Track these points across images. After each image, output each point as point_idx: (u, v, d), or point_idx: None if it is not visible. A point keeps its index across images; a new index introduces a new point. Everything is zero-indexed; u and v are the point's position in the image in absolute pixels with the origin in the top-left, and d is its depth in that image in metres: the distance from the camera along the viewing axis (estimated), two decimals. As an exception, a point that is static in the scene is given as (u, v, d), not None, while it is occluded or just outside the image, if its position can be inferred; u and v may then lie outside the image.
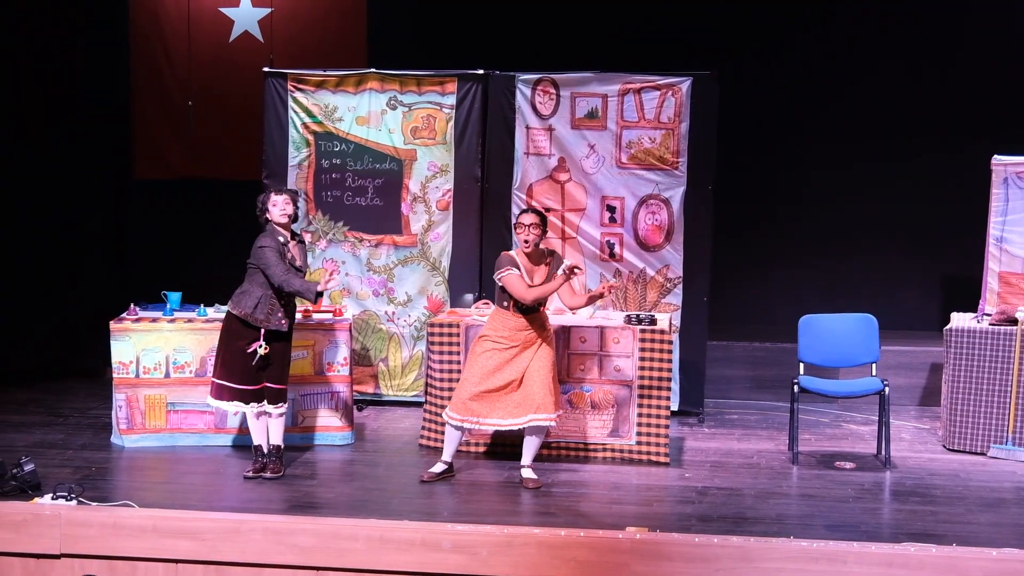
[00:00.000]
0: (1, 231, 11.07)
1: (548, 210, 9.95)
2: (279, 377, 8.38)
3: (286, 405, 8.50)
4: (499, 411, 8.17)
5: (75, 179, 11.19)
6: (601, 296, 8.24)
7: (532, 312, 8.21)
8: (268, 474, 8.35)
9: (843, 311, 9.36)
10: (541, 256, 8.27)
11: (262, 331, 8.26)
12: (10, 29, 11.00)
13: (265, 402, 8.37)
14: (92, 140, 11.29)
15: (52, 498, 7.48)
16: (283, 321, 8.30)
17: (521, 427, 8.20)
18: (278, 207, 8.29)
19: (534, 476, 8.28)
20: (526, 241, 8.14)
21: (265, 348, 8.27)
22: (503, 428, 8.24)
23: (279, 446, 8.48)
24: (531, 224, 8.14)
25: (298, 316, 8.79)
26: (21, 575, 7.25)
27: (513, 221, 9.21)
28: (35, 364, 11.16)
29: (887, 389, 8.77)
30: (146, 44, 11.44)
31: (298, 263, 8.33)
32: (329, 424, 9.19)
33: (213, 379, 8.43)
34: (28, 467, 7.86)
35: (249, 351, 8.25)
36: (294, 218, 8.40)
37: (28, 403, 10.30)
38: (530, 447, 8.33)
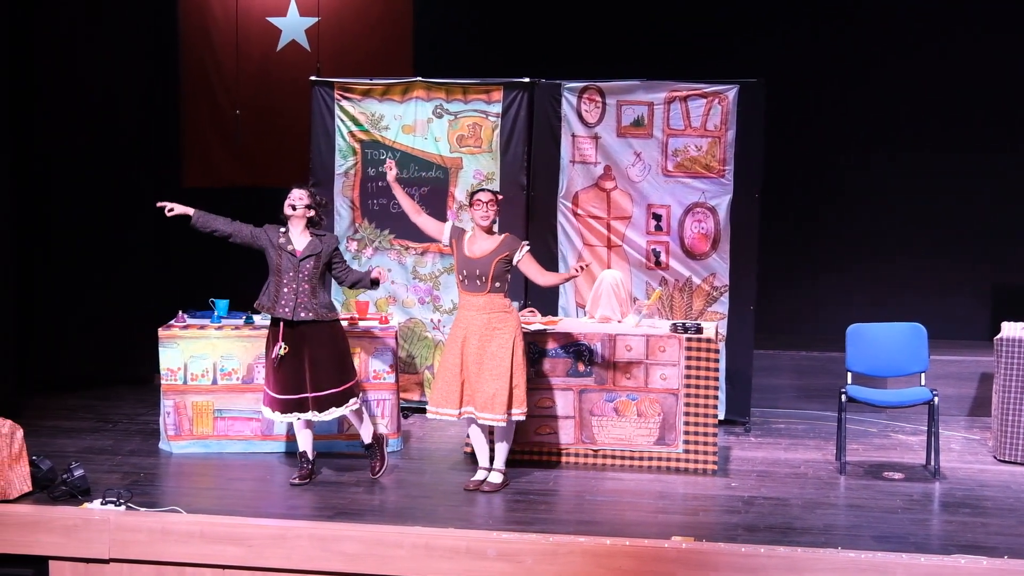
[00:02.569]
0: (52, 239, 11.18)
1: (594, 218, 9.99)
2: (320, 383, 8.34)
3: (344, 408, 8.42)
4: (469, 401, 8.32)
5: (125, 187, 11.28)
6: (574, 276, 8.33)
7: (475, 293, 8.24)
8: (377, 470, 8.49)
9: (891, 320, 9.29)
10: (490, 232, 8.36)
11: (280, 331, 8.29)
12: (59, 37, 11.10)
13: (311, 412, 8.37)
14: (142, 149, 11.37)
15: (101, 503, 7.56)
16: (286, 310, 8.28)
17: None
18: (291, 199, 8.41)
19: (495, 481, 8.37)
20: (485, 216, 8.25)
21: (284, 348, 8.30)
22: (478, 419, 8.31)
23: (381, 436, 8.63)
24: (489, 201, 8.27)
25: (344, 323, 8.80)
26: (70, 580, 7.33)
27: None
28: (85, 371, 11.25)
29: (936, 399, 8.69)
30: (195, 53, 11.52)
31: (295, 252, 8.35)
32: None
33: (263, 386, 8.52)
34: (78, 473, 7.93)
35: (272, 356, 8.31)
36: (306, 216, 8.42)
37: (78, 409, 10.39)
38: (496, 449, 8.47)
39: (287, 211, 8.38)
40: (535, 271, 8.33)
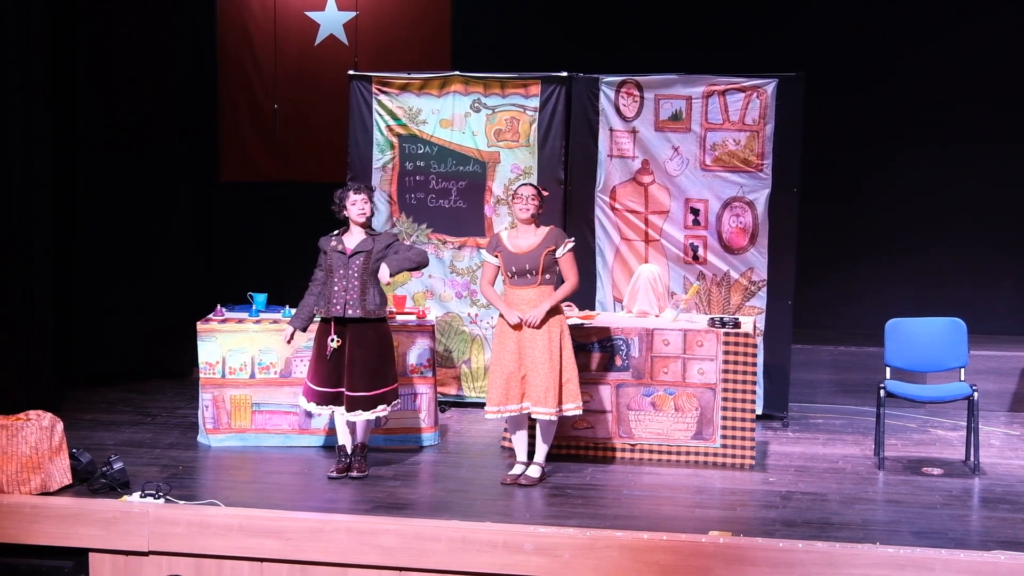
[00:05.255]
0: (91, 234, 11.24)
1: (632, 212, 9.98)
2: (355, 384, 8.34)
3: (371, 412, 8.41)
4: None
5: (163, 181, 11.33)
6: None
7: (524, 287, 8.26)
8: (354, 473, 8.39)
9: (931, 314, 9.24)
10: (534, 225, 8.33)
11: (332, 326, 8.32)
12: (99, 33, 11.16)
13: (343, 408, 8.38)
14: (180, 143, 11.42)
15: (141, 496, 7.61)
16: (338, 307, 8.29)
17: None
18: (356, 207, 8.38)
19: (533, 475, 8.35)
20: (525, 209, 8.23)
21: (337, 341, 8.32)
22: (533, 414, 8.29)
23: (364, 445, 8.52)
24: (531, 196, 8.25)
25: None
26: (111, 571, 7.38)
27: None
28: (124, 365, 11.31)
29: (976, 394, 8.63)
30: (234, 48, 11.58)
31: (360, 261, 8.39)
32: (413, 425, 9.22)
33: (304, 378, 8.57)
34: (117, 465, 7.97)
35: (326, 350, 8.33)
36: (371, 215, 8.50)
37: (117, 403, 10.46)
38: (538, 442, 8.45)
39: (360, 220, 8.40)
40: (567, 271, 8.28)
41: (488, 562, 7.03)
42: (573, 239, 8.40)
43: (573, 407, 8.26)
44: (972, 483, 8.43)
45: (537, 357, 8.18)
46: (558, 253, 8.22)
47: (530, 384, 8.20)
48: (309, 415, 9.01)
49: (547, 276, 8.22)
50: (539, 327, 8.16)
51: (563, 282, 8.29)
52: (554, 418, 8.23)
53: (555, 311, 8.25)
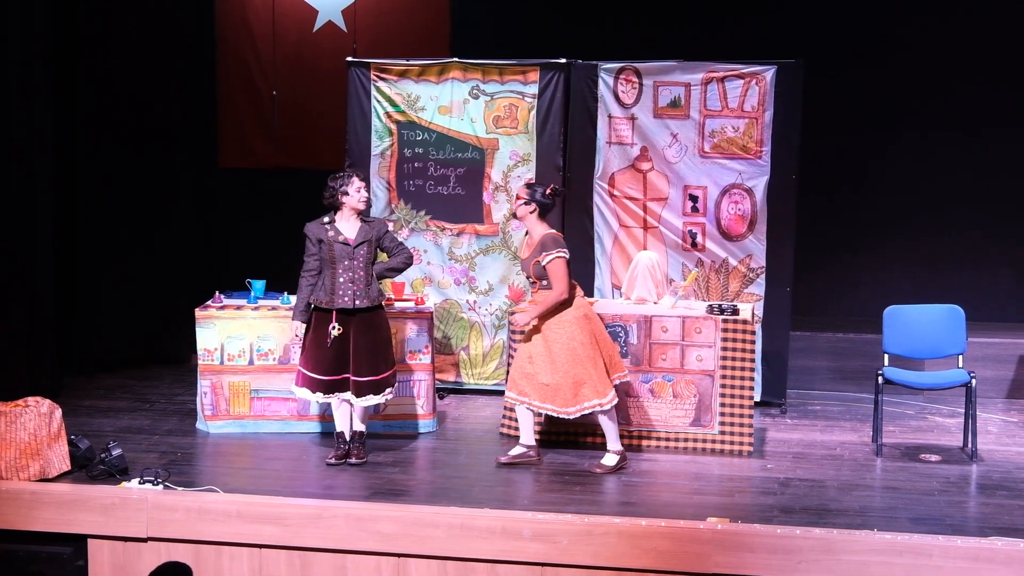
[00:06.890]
0: (90, 220, 11.23)
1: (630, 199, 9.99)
2: (360, 369, 8.37)
3: (381, 396, 8.45)
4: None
5: (162, 168, 11.31)
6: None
7: (533, 290, 8.39)
8: (352, 460, 8.40)
9: (929, 301, 9.24)
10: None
11: (334, 314, 8.31)
12: (99, 19, 11.13)
13: (349, 393, 8.39)
14: (179, 129, 11.39)
15: (139, 482, 7.63)
16: (346, 299, 8.29)
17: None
18: (361, 193, 8.37)
19: (609, 463, 8.36)
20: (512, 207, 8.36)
21: (338, 329, 8.31)
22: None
23: (362, 432, 8.53)
24: (515, 195, 8.35)
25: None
26: (110, 558, 7.40)
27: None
28: (122, 351, 11.30)
29: (974, 381, 8.64)
30: (232, 34, 11.55)
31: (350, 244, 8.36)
32: (411, 412, 9.23)
33: (298, 366, 8.52)
34: (116, 452, 7.99)
35: (327, 337, 8.32)
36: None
37: (116, 389, 10.46)
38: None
39: (361, 205, 8.39)
40: (552, 279, 8.16)
41: (486, 548, 7.04)
42: (562, 251, 8.20)
43: (590, 406, 8.21)
44: (969, 470, 8.44)
45: (538, 358, 8.22)
46: (543, 262, 8.18)
47: (533, 382, 8.24)
48: (307, 401, 9.00)
49: (544, 283, 8.24)
50: (529, 327, 8.30)
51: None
52: (569, 417, 8.24)
53: (568, 310, 8.24)
